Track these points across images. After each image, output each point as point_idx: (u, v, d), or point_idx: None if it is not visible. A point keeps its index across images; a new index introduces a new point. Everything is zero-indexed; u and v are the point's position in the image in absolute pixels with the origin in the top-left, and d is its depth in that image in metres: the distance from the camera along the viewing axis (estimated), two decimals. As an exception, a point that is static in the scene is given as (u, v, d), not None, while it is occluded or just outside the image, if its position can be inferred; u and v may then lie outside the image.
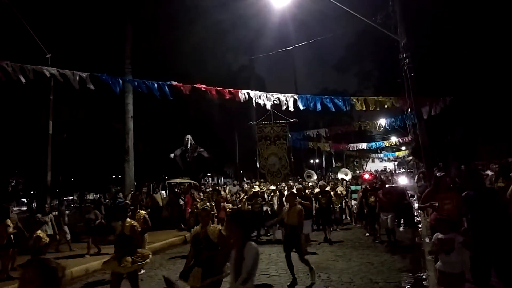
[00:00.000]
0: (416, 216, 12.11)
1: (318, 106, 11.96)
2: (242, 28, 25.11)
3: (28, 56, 10.57)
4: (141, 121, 18.47)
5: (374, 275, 7.01)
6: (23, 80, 8.38)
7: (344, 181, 16.17)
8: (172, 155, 16.02)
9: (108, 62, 15.78)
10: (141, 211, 7.91)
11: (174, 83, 10.36)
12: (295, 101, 11.94)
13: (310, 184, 15.32)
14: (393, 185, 15.14)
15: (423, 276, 6.77)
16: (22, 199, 20.52)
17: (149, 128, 24.33)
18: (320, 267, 7.76)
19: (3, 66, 8.12)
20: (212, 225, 4.65)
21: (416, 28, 15.86)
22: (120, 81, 10.19)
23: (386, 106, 12.38)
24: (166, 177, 23.67)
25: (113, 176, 29.51)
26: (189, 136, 15.36)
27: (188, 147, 15.54)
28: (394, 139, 35.67)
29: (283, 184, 15.74)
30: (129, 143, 15.92)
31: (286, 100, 11.86)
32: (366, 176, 18.63)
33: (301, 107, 12.06)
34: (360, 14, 11.50)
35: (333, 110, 12.27)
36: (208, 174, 37.54)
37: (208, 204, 10.28)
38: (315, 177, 18.41)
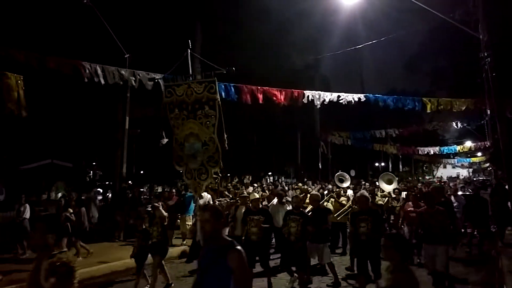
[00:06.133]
0: (492, 227, 11.11)
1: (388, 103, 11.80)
2: (308, 26, 24.71)
3: (109, 57, 11.47)
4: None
5: (444, 288, 6.55)
6: (103, 82, 9.14)
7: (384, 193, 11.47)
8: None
9: (176, 61, 16.41)
10: None
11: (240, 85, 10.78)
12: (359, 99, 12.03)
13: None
14: (468, 193, 13.83)
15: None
16: (98, 189, 22.33)
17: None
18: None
19: (86, 67, 8.92)
20: None
21: (499, 23, 14.61)
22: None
23: (462, 108, 11.61)
24: (229, 175, 24.22)
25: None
26: None
27: None
28: (469, 144, 33.20)
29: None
30: (195, 140, 16.48)
31: (353, 99, 11.80)
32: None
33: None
34: (435, 10, 10.85)
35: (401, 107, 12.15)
36: (269, 173, 37.79)
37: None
38: (349, 182, 12.87)
